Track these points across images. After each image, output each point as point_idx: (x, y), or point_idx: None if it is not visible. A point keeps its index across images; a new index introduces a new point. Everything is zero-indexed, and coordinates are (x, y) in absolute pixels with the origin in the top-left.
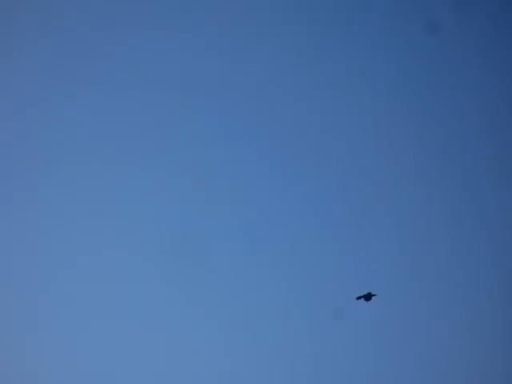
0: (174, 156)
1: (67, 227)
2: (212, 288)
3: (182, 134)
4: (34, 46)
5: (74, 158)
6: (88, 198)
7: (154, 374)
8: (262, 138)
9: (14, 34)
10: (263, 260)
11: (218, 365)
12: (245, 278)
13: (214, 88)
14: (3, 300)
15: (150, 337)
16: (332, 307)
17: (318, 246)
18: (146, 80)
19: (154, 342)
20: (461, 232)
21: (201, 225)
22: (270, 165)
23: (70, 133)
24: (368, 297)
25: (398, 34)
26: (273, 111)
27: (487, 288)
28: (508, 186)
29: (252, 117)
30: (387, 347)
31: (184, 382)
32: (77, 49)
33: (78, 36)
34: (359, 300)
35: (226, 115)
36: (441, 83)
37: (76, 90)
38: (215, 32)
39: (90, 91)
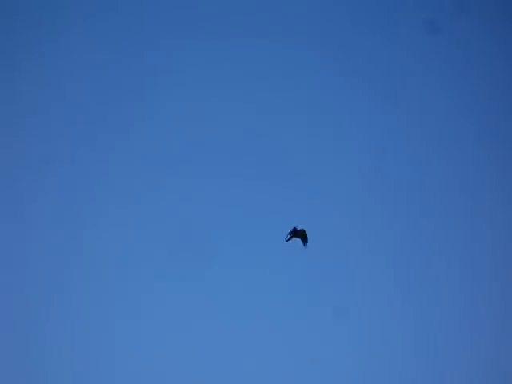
0: (177, 154)
1: (67, 225)
2: (211, 287)
3: (182, 133)
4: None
5: (72, 153)
6: (89, 195)
7: (156, 375)
8: (263, 138)
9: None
10: (263, 260)
11: (216, 365)
12: (244, 278)
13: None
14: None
15: (153, 337)
16: (332, 307)
17: (317, 245)
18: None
19: (156, 343)
20: (463, 232)
21: (202, 223)
22: (269, 164)
23: (69, 128)
24: (297, 234)
25: (398, 34)
26: (270, 112)
27: (489, 289)
28: (508, 189)
29: (252, 116)
30: (388, 348)
31: (184, 381)
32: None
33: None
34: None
35: (227, 114)
36: (441, 83)
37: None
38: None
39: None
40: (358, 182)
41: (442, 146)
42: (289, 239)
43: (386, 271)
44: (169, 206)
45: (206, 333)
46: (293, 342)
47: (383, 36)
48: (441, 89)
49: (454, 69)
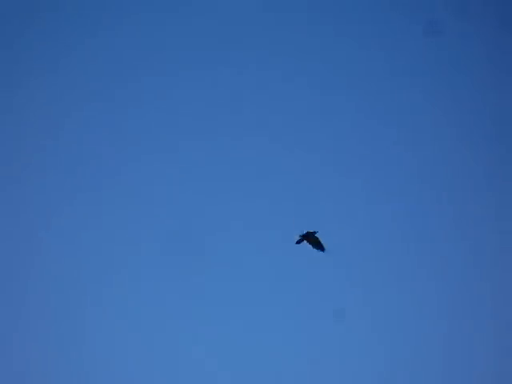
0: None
1: (65, 226)
2: (210, 287)
3: (182, 130)
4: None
5: (69, 154)
6: (86, 195)
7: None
8: (262, 137)
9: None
10: (262, 259)
11: (215, 365)
12: (244, 278)
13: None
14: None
15: (152, 338)
16: (332, 307)
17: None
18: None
19: (156, 344)
20: (463, 232)
21: (201, 222)
22: (269, 164)
23: (70, 129)
24: (310, 238)
25: (398, 35)
26: (269, 113)
27: (489, 290)
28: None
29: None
30: (388, 349)
31: (182, 381)
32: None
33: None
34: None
35: (226, 113)
36: (441, 85)
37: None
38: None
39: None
40: (357, 184)
41: (442, 149)
42: (299, 242)
43: (386, 271)
44: (166, 209)
45: (205, 333)
46: (292, 342)
47: (383, 38)
48: (441, 91)
49: (454, 71)
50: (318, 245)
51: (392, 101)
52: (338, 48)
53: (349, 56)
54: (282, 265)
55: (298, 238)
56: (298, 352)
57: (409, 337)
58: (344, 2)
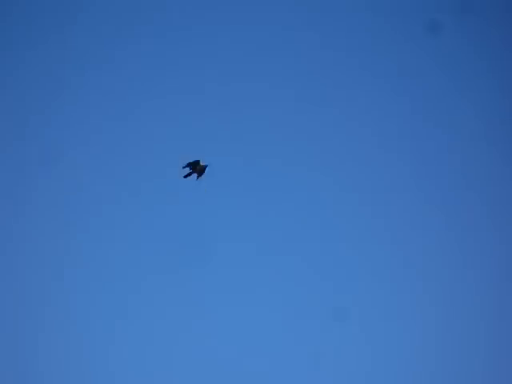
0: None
1: (65, 226)
2: (210, 287)
3: (184, 132)
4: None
5: (72, 155)
6: (86, 196)
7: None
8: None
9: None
10: (263, 259)
11: (215, 365)
12: (244, 278)
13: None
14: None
15: (152, 341)
16: (332, 307)
17: (318, 244)
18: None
19: (155, 346)
20: (464, 232)
21: (203, 225)
22: (272, 166)
23: (70, 128)
24: (196, 168)
25: (398, 34)
26: (270, 113)
27: (490, 290)
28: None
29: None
30: (389, 349)
31: (182, 381)
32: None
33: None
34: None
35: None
36: (442, 84)
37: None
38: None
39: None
40: (358, 181)
41: (447, 147)
42: (187, 175)
43: (386, 271)
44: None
45: (205, 333)
46: (292, 342)
47: (385, 37)
48: (444, 90)
49: (457, 70)
50: (201, 172)
51: (392, 99)
52: (339, 47)
53: (349, 55)
54: (282, 263)
55: (185, 169)
56: (298, 352)
57: (408, 336)
58: (344, 1)
